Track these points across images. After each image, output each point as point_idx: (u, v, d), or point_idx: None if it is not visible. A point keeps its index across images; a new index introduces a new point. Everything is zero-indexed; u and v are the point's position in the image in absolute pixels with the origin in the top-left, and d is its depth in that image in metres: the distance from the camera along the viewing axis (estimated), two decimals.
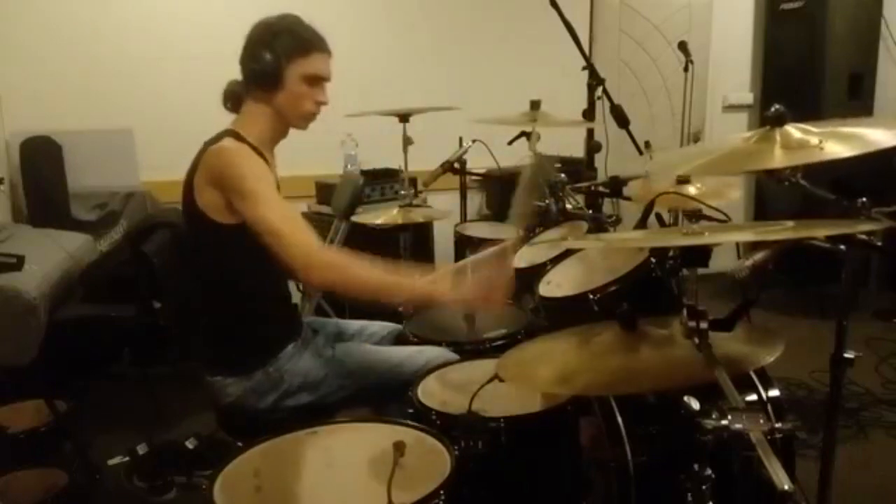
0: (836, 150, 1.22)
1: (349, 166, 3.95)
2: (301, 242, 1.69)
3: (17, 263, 2.25)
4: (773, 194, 4.58)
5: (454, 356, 1.97)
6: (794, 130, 1.32)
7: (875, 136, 1.25)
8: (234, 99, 1.90)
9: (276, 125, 1.88)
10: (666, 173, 2.16)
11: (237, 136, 1.81)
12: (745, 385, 1.63)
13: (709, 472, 1.18)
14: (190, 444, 2.54)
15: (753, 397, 1.64)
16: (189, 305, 2.46)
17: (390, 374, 1.89)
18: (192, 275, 1.94)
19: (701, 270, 1.39)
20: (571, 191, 2.41)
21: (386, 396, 1.87)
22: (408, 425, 1.50)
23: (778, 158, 1.28)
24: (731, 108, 4.98)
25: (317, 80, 1.85)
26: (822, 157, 1.23)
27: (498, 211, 4.13)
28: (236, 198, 1.72)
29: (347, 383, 1.89)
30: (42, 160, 3.58)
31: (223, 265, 1.84)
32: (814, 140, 1.27)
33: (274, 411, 1.86)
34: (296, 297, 2.26)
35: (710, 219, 1.82)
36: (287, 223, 1.70)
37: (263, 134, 1.87)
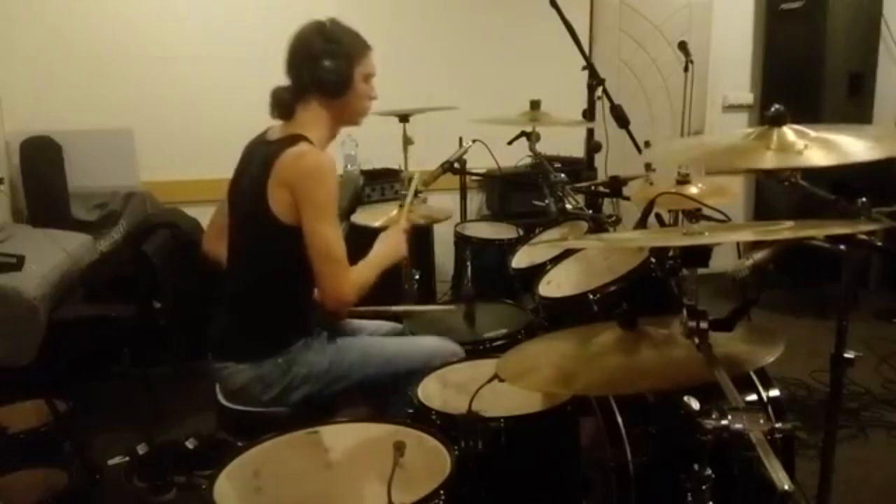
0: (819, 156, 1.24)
1: (349, 166, 3.95)
2: (345, 279, 1.81)
3: (17, 263, 2.25)
4: (773, 194, 4.58)
5: (454, 346, 1.98)
6: (789, 132, 1.33)
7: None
8: (284, 106, 1.91)
9: (335, 128, 1.96)
10: (665, 161, 2.17)
11: (309, 143, 1.83)
12: (745, 385, 1.63)
13: (709, 472, 1.18)
14: (190, 444, 2.54)
15: (753, 397, 1.64)
16: (190, 302, 2.46)
17: (390, 366, 1.91)
18: (227, 264, 1.98)
19: (701, 270, 1.39)
20: (571, 191, 2.41)
21: (386, 387, 1.90)
22: (408, 425, 1.50)
23: (770, 158, 1.28)
24: (731, 108, 4.97)
25: (370, 77, 1.95)
26: (808, 163, 1.24)
27: (498, 211, 4.13)
28: (306, 206, 1.77)
29: (349, 374, 1.92)
30: (42, 160, 3.57)
31: (270, 260, 1.87)
32: (799, 145, 1.27)
33: (276, 404, 1.88)
34: None
35: (710, 219, 1.82)
36: (343, 253, 1.81)
37: (324, 138, 1.93)
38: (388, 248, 2.01)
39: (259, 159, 1.86)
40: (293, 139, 1.83)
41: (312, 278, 1.91)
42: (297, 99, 1.89)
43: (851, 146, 1.26)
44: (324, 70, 1.84)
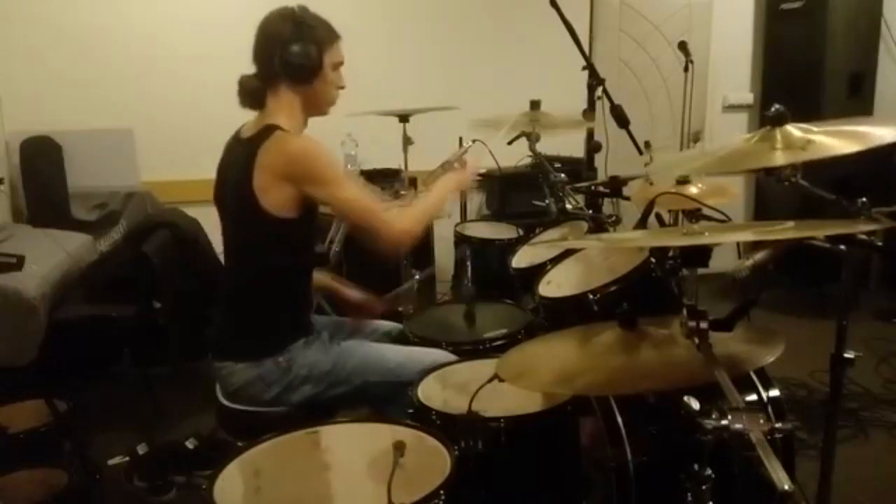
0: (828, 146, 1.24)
1: (349, 166, 3.95)
2: (391, 216, 1.88)
3: (17, 263, 2.25)
4: (773, 194, 4.58)
5: (453, 358, 1.97)
6: (794, 130, 1.33)
7: (875, 133, 1.25)
8: (253, 95, 1.91)
9: (306, 115, 1.94)
10: (666, 175, 2.17)
11: (283, 131, 1.83)
12: (745, 385, 1.63)
13: (709, 472, 1.18)
14: (190, 444, 2.54)
15: (753, 397, 1.64)
16: (190, 302, 2.46)
17: (391, 375, 1.90)
18: (219, 263, 1.97)
19: (701, 270, 1.39)
20: (571, 191, 2.41)
21: (386, 396, 1.89)
22: (408, 425, 1.50)
23: (779, 157, 1.28)
24: (731, 108, 4.97)
25: (339, 66, 1.94)
26: (812, 156, 1.24)
27: (498, 211, 4.13)
28: (314, 185, 1.79)
29: (349, 379, 1.91)
30: (42, 160, 3.58)
31: (264, 257, 1.87)
32: (800, 143, 1.27)
33: (276, 404, 1.88)
34: None
35: (710, 219, 1.82)
36: (373, 201, 1.88)
37: (297, 125, 1.92)
38: (452, 181, 2.10)
39: (239, 157, 1.85)
40: (267, 130, 1.82)
41: (308, 275, 1.90)
42: (266, 86, 1.88)
43: (859, 134, 1.26)
44: (293, 55, 1.82)
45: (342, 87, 1.96)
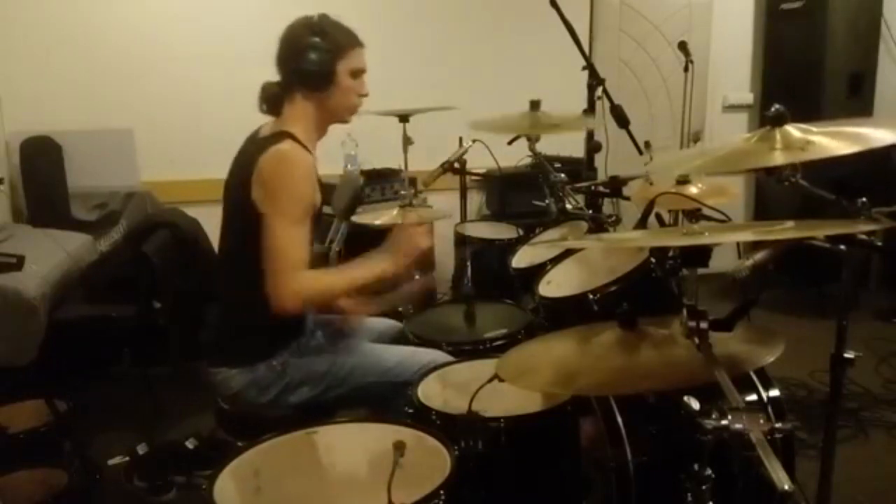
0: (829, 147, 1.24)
1: (349, 166, 3.95)
2: (294, 277, 1.76)
3: (17, 263, 2.25)
4: (773, 194, 4.58)
5: (450, 359, 1.97)
6: (794, 130, 1.33)
7: (874, 134, 1.25)
8: (272, 101, 1.92)
9: (322, 122, 1.94)
10: (665, 174, 2.17)
11: (294, 139, 1.83)
12: (745, 385, 1.63)
13: (709, 472, 1.18)
14: (190, 444, 2.54)
15: (753, 397, 1.64)
16: (190, 302, 2.46)
17: (389, 375, 1.90)
18: (214, 265, 1.97)
19: (701, 270, 1.39)
20: (571, 191, 2.41)
21: (383, 397, 1.89)
22: (408, 425, 1.50)
23: (778, 157, 1.28)
24: (731, 108, 4.97)
25: (359, 73, 1.93)
26: (811, 156, 1.24)
27: (498, 211, 4.13)
28: (269, 201, 1.76)
29: (347, 380, 1.91)
30: (42, 160, 3.57)
31: (257, 260, 1.84)
32: (800, 143, 1.27)
33: (274, 407, 1.87)
34: None
35: (710, 219, 1.82)
36: (294, 256, 1.76)
37: (311, 132, 1.91)
38: (382, 267, 1.92)
39: (245, 157, 1.86)
40: (278, 136, 1.82)
41: None
42: (284, 93, 1.90)
43: (859, 135, 1.26)
44: (307, 63, 1.83)
45: (364, 95, 1.95)
